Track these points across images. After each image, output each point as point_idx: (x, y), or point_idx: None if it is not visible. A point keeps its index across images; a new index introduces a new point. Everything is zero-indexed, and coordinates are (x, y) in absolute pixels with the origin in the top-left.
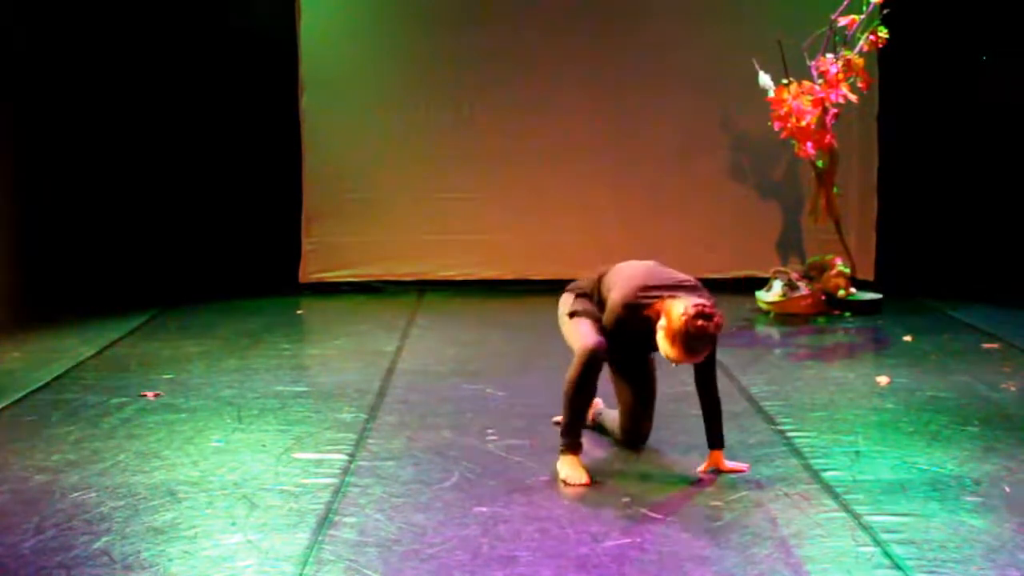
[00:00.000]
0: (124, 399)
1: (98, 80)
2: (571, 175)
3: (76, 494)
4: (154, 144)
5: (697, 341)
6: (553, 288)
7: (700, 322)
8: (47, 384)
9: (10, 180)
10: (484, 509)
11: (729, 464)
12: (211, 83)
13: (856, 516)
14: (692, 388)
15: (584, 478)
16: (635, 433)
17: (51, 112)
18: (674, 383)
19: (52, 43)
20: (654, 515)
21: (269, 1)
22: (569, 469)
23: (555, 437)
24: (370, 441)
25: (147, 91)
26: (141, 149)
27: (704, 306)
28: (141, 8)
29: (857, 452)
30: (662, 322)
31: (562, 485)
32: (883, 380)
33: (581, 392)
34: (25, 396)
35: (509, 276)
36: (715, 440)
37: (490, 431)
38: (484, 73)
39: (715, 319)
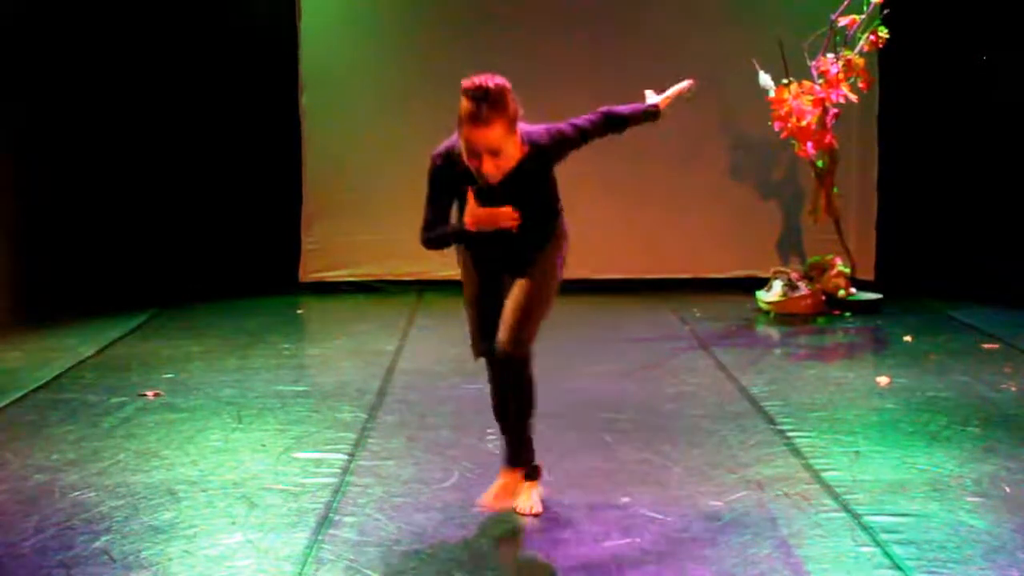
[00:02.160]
0: (123, 398)
1: (98, 79)
2: (571, 175)
3: (75, 493)
4: (154, 143)
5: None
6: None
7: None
8: (47, 383)
9: (10, 179)
10: (484, 509)
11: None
12: (211, 82)
13: (856, 516)
14: (692, 387)
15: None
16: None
17: (50, 111)
18: (675, 382)
19: (51, 42)
20: (654, 515)
21: (270, 2)
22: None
23: (557, 436)
24: (370, 441)
25: (147, 90)
26: (141, 148)
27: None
28: (141, 6)
29: (857, 452)
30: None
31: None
32: (883, 380)
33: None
34: (25, 395)
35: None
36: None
37: (490, 431)
38: (484, 72)
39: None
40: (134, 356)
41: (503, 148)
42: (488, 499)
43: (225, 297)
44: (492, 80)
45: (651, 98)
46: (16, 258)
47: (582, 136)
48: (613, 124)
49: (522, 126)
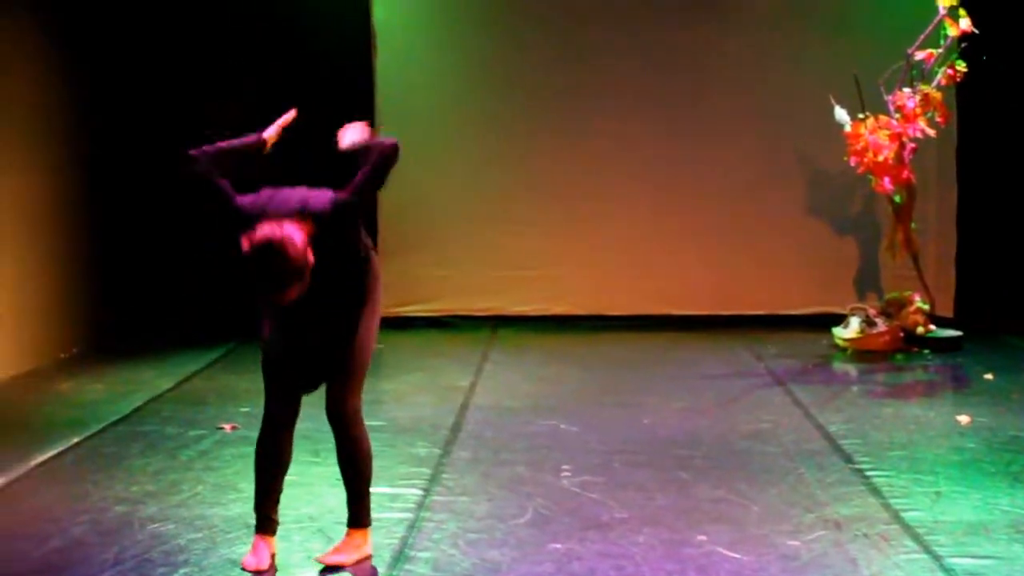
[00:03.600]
0: (202, 431)
1: (180, 114)
2: (647, 210)
3: (154, 525)
4: (234, 178)
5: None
6: (628, 324)
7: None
8: (126, 416)
9: (89, 214)
10: (559, 546)
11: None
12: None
13: (937, 558)
14: (768, 425)
15: (264, 564)
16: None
17: (131, 147)
18: (750, 419)
19: (127, 78)
20: (731, 554)
21: (346, 36)
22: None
23: (632, 473)
24: (444, 476)
25: (227, 126)
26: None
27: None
28: (218, 44)
29: (938, 492)
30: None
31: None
32: (964, 419)
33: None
34: (104, 428)
35: (583, 312)
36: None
37: (565, 467)
38: (559, 108)
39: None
40: (212, 389)
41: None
42: (326, 556)
43: None
44: (279, 259)
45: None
46: (96, 292)
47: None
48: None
49: (292, 197)
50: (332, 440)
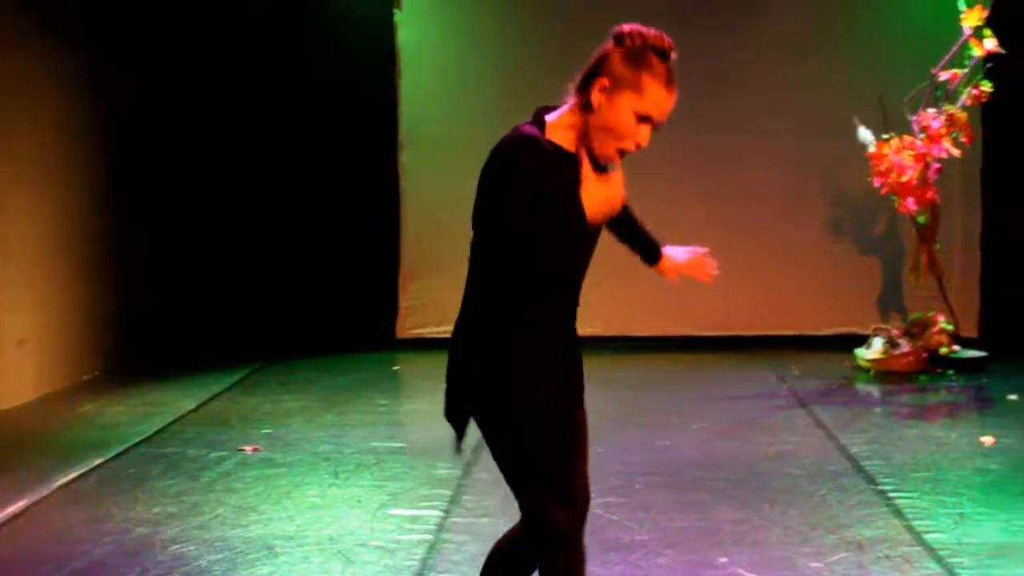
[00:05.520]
0: (223, 453)
1: (200, 137)
2: (669, 230)
3: (176, 547)
4: (258, 201)
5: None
6: (649, 345)
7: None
8: (148, 437)
9: (113, 235)
10: None
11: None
12: (314, 141)
13: None
14: (791, 446)
15: None
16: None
17: (154, 169)
18: (773, 440)
19: (154, 102)
20: (752, 575)
21: (370, 61)
22: None
23: (653, 494)
24: (465, 498)
25: (252, 149)
26: (245, 206)
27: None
28: (243, 67)
29: (961, 514)
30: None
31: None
32: (988, 440)
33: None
34: (127, 449)
35: (606, 332)
36: (653, 248)
37: None
38: None
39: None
40: (234, 411)
41: None
42: None
43: (323, 353)
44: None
45: (666, 248)
46: (119, 313)
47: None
48: (624, 225)
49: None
50: (353, 460)
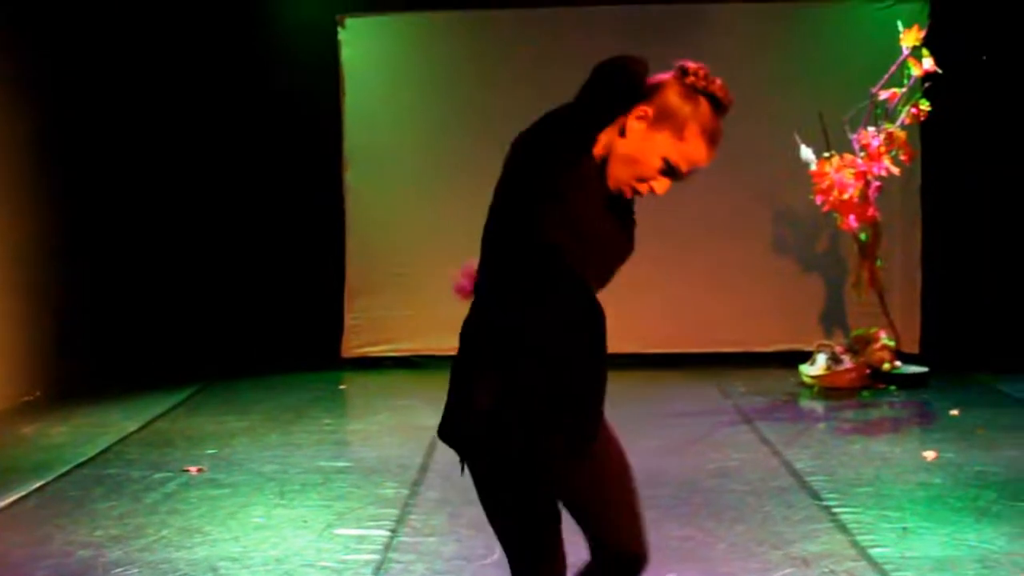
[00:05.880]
0: (167, 474)
1: (143, 156)
2: None
3: (119, 570)
4: (200, 219)
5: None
6: None
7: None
8: (91, 459)
9: (54, 254)
10: None
11: None
12: (257, 159)
13: None
14: (736, 462)
15: None
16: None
17: (93, 186)
18: (718, 457)
19: (95, 121)
20: None
21: (313, 78)
22: None
23: None
24: (412, 517)
25: (193, 166)
26: (187, 224)
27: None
28: (187, 81)
29: (905, 528)
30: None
31: None
32: (930, 455)
33: None
34: (69, 471)
35: None
36: None
37: None
38: None
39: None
40: (178, 432)
41: None
42: None
43: (268, 373)
44: None
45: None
46: (60, 334)
47: None
48: None
49: None
50: (299, 480)
